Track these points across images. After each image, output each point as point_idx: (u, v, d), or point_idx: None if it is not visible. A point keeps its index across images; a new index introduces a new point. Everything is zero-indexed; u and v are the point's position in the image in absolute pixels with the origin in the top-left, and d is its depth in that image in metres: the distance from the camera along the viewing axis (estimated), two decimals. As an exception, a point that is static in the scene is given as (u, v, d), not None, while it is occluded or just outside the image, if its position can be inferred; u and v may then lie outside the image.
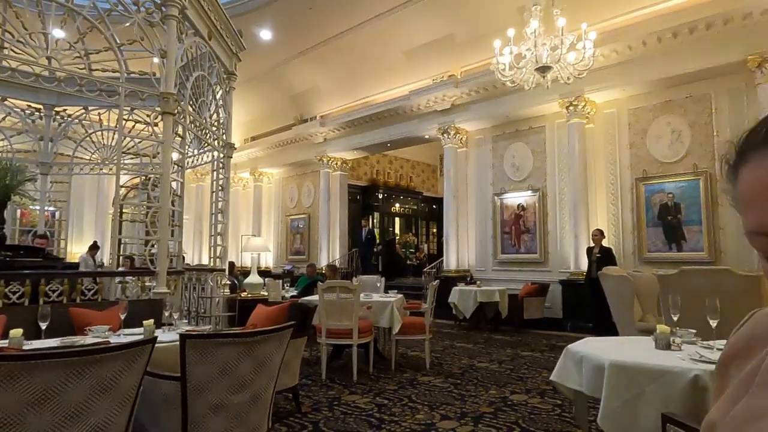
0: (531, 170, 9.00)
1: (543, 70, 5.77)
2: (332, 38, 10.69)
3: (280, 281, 7.28)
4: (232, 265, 8.94)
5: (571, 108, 8.05)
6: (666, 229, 7.41)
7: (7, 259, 4.49)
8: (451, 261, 9.72)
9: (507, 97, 8.73)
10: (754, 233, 0.48)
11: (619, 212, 7.94)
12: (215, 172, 6.21)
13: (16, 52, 4.58)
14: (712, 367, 1.98)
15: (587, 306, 7.45)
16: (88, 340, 2.76)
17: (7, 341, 2.58)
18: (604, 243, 7.43)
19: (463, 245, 9.81)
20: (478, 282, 8.56)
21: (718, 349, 2.24)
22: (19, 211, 9.41)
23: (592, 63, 5.82)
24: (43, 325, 2.70)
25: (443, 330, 8.01)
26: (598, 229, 7.54)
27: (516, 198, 9.14)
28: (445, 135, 9.85)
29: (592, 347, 2.49)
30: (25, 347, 2.47)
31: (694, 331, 2.56)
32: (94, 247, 9.85)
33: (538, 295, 8.05)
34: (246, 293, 6.71)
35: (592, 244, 7.49)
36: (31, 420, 1.80)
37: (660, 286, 4.31)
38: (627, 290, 5.01)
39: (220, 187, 6.14)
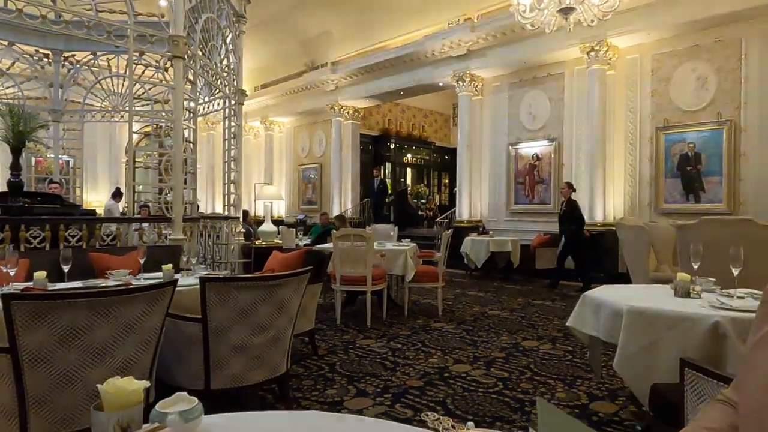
0: (548, 119, 8.78)
1: (566, 11, 5.49)
2: (344, -21, 10.26)
3: (294, 230, 7.32)
4: (246, 213, 9.01)
5: (592, 53, 7.74)
6: (684, 180, 7.27)
7: (26, 205, 4.55)
8: (463, 211, 9.69)
9: (525, 42, 8.40)
10: None
11: (636, 163, 7.78)
12: (227, 120, 6.14)
13: (21, -8, 4.44)
14: (733, 314, 1.97)
15: (599, 256, 7.46)
16: (109, 283, 2.81)
17: (31, 283, 2.64)
18: (573, 196, 7.46)
19: (476, 195, 9.75)
20: (490, 232, 8.56)
21: (739, 297, 2.22)
22: (33, 159, 9.46)
23: (617, 4, 5.52)
24: (66, 268, 2.75)
25: (455, 279, 8.10)
26: (566, 182, 7.60)
27: (531, 148, 8.97)
28: (460, 82, 9.58)
29: (610, 294, 2.49)
30: (49, 289, 2.52)
31: (714, 279, 2.54)
32: (117, 194, 9.94)
33: (550, 246, 8.04)
34: (260, 241, 6.78)
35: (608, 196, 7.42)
36: (60, 357, 1.86)
37: (678, 236, 4.26)
38: (643, 240, 4.97)
39: (232, 135, 6.09)
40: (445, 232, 5.79)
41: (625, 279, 5.68)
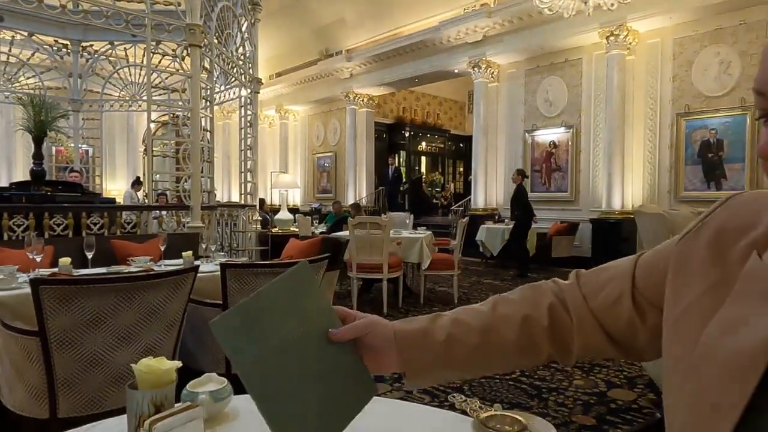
0: (565, 106, 8.66)
1: (585, -5, 5.40)
2: (358, -35, 10.17)
3: (309, 218, 7.36)
4: (262, 201, 9.08)
5: (611, 38, 7.59)
6: (705, 167, 7.14)
7: (48, 193, 4.63)
8: (478, 199, 9.64)
9: (543, 27, 8.27)
10: (754, 91, 0.45)
11: (656, 149, 7.65)
12: (243, 108, 6.16)
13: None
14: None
15: (617, 244, 7.38)
16: (132, 269, 2.86)
17: (56, 269, 2.70)
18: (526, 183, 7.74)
19: (492, 183, 9.68)
20: (506, 220, 8.52)
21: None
22: (54, 149, 9.62)
23: (639, -13, 5.41)
24: (89, 255, 2.81)
25: (470, 267, 8.09)
26: (517, 170, 7.71)
27: (548, 135, 8.86)
28: (475, 69, 9.47)
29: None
30: (74, 274, 2.58)
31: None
32: (137, 182, 10.09)
33: (567, 234, 7.98)
34: (277, 229, 6.83)
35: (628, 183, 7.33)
36: (88, 340, 1.91)
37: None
38: (663, 228, 4.89)
39: (248, 124, 6.11)
40: (460, 220, 5.78)
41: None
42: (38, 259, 2.59)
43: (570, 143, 8.55)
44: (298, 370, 0.61)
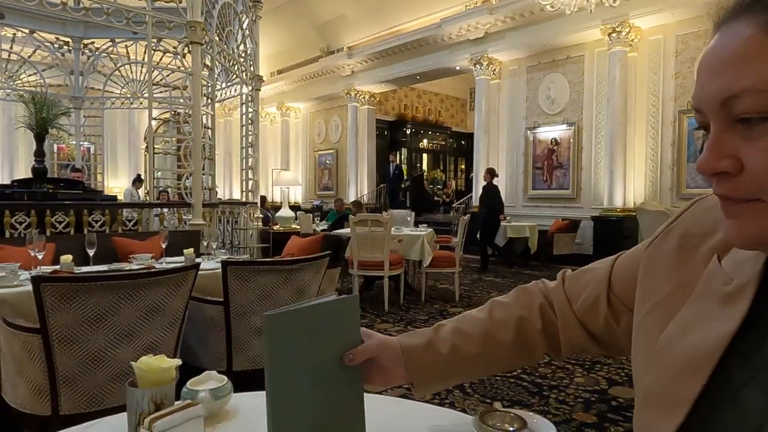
0: (567, 103, 8.63)
1: (587, -9, 5.38)
2: (359, -38, 10.14)
3: (311, 215, 7.36)
4: (263, 199, 9.08)
5: (613, 35, 7.56)
6: (708, 165, 7.12)
7: (50, 191, 4.64)
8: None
9: (545, 24, 8.24)
10: (693, 107, 0.46)
11: (658, 147, 7.63)
12: (244, 106, 6.16)
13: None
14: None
15: (618, 242, 7.37)
16: (133, 266, 2.87)
17: (58, 266, 2.70)
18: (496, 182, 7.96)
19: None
20: (507, 218, 8.51)
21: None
22: (56, 146, 9.62)
23: (641, -17, 5.38)
24: (91, 252, 2.81)
25: (471, 264, 8.08)
26: (486, 169, 8.02)
27: (550, 132, 8.84)
28: (477, 66, 9.45)
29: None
30: (76, 272, 2.58)
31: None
32: (138, 180, 10.10)
33: (568, 231, 7.97)
34: (278, 226, 6.84)
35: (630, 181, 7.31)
36: (90, 337, 1.91)
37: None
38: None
39: (249, 121, 6.11)
40: (462, 218, 5.77)
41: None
42: (40, 257, 2.60)
43: (572, 140, 8.53)
44: (312, 389, 0.65)
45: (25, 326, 1.95)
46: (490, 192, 7.80)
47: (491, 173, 7.83)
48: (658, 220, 5.06)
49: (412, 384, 0.72)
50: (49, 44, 6.79)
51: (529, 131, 9.12)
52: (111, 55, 7.21)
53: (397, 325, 4.29)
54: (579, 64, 8.47)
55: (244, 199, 6.08)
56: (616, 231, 7.47)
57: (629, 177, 7.73)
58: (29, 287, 1.92)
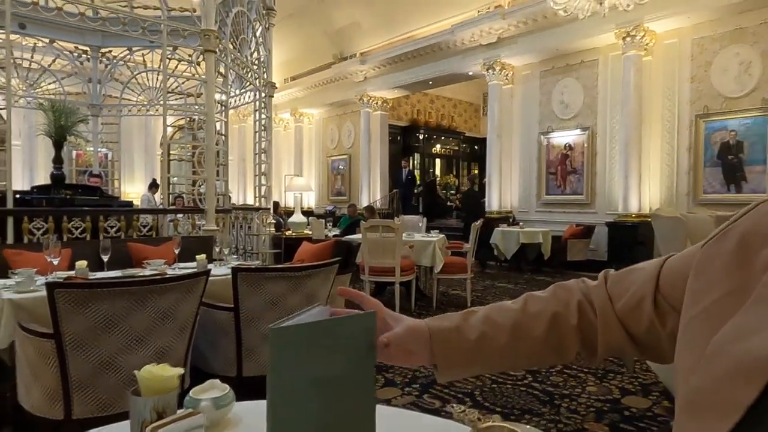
0: (581, 107, 8.57)
1: (600, -4, 5.35)
2: (372, -31, 10.20)
3: (323, 221, 7.40)
4: (276, 204, 9.14)
5: (628, 39, 7.49)
6: (725, 170, 7.00)
7: (68, 197, 4.73)
8: (493, 202, 9.58)
9: (558, 29, 8.20)
10: None
11: (674, 152, 7.52)
12: (257, 112, 6.23)
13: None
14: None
15: (633, 248, 7.28)
16: (146, 272, 2.91)
17: (73, 272, 2.75)
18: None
19: (506, 186, 9.62)
20: (520, 223, 8.46)
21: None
22: (74, 153, 9.81)
23: (655, -13, 5.33)
24: (105, 258, 2.86)
25: (484, 271, 8.05)
26: (469, 176, 8.53)
27: (563, 137, 8.78)
28: (490, 71, 9.43)
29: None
30: (90, 278, 2.62)
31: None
32: (153, 185, 10.24)
33: (582, 237, 7.89)
34: (290, 232, 6.88)
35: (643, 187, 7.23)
36: (102, 343, 1.94)
37: (717, 228, 4.11)
38: (680, 232, 4.81)
39: (262, 127, 6.17)
40: (474, 224, 5.75)
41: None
42: (55, 262, 2.65)
43: (586, 145, 8.46)
44: (317, 407, 0.64)
45: (40, 331, 1.98)
46: (468, 196, 8.52)
47: (471, 180, 8.46)
48: (673, 226, 4.99)
49: (436, 367, 0.72)
50: (68, 53, 6.95)
51: (542, 136, 9.06)
52: (128, 64, 7.35)
53: (408, 332, 4.28)
54: (593, 69, 8.40)
55: (257, 205, 6.13)
56: (630, 237, 7.38)
57: (644, 182, 7.64)
58: (45, 293, 1.96)
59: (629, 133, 7.59)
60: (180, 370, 0.81)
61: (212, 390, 0.91)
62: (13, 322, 2.18)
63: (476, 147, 16.38)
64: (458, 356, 0.71)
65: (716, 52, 7.08)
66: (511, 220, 9.02)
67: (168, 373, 0.80)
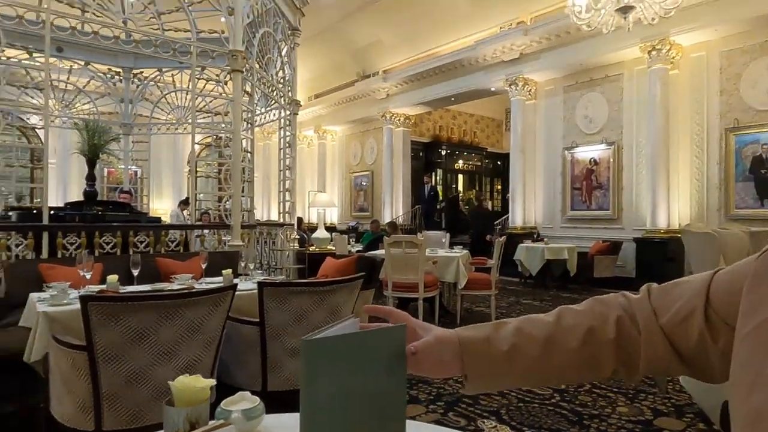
0: (605, 122, 8.47)
1: (624, 10, 5.32)
2: (395, -12, 10.35)
3: (346, 236, 7.43)
4: (300, 220, 9.23)
5: (653, 53, 7.41)
6: (758, 184, 6.80)
7: (99, 213, 4.87)
8: (516, 218, 9.49)
9: (581, 44, 8.17)
10: None
11: (704, 166, 7.36)
12: (282, 130, 6.33)
13: (97, 16, 4.79)
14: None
15: (663, 265, 7.10)
16: (174, 286, 2.96)
17: (104, 285, 2.82)
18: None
19: (530, 202, 9.53)
20: (545, 239, 8.35)
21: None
22: (106, 170, 10.10)
23: (681, 1, 5.28)
24: (135, 272, 2.92)
25: (508, 287, 7.94)
26: (476, 196, 8.61)
27: (588, 152, 8.68)
28: (512, 87, 9.42)
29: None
30: (120, 291, 2.68)
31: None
32: (185, 202, 10.47)
33: (609, 254, 7.74)
34: (314, 247, 6.92)
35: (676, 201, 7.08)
36: (132, 355, 1.98)
37: (752, 244, 3.99)
38: (712, 248, 4.68)
39: (287, 145, 6.27)
40: (498, 239, 5.70)
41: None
42: (88, 276, 2.72)
43: (611, 160, 8.34)
44: (348, 418, 0.64)
45: (73, 343, 2.03)
46: (482, 216, 9.03)
47: (479, 198, 9.00)
48: (705, 242, 4.85)
49: (465, 377, 0.70)
50: (101, 75, 7.22)
51: (566, 151, 8.98)
52: (158, 84, 7.59)
53: (431, 348, 4.24)
54: (617, 83, 8.32)
55: (281, 221, 6.20)
56: (660, 253, 7.21)
57: (673, 197, 7.47)
58: (78, 306, 2.01)
59: (656, 147, 7.46)
60: (212, 381, 0.83)
61: (242, 402, 0.92)
62: (48, 335, 2.24)
63: (499, 162, 16.30)
64: (488, 367, 0.69)
65: (746, 64, 6.94)
66: (535, 235, 8.91)
67: (200, 384, 0.81)
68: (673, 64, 7.47)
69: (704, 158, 7.34)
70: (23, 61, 5.68)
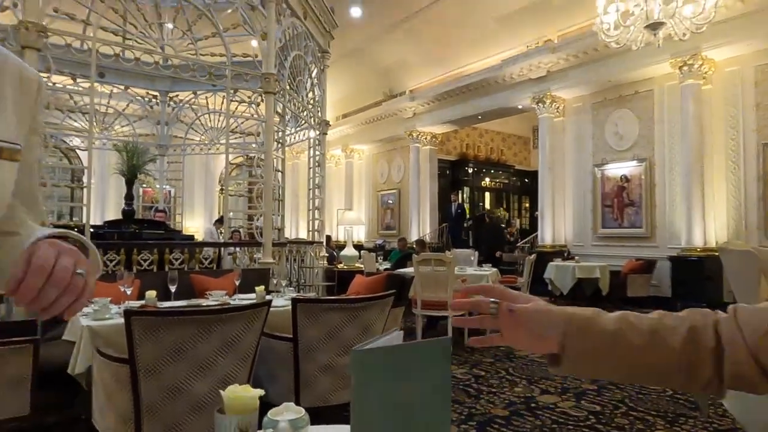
0: (636, 139, 8.34)
1: (654, 27, 5.28)
2: (421, 10, 10.52)
3: (374, 254, 7.46)
4: (328, 238, 9.32)
5: (685, 68, 7.30)
6: (800, 201, 6.57)
7: (136, 231, 5.04)
8: (546, 236, 9.37)
9: (610, 60, 8.11)
10: None
11: (741, 182, 7.15)
12: (311, 149, 6.46)
13: (139, 43, 5.02)
14: None
15: (700, 284, 6.88)
16: (209, 302, 3.03)
17: (143, 301, 2.91)
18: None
19: (560, 219, 9.40)
20: (576, 257, 8.20)
21: None
22: (141, 189, 10.44)
23: (713, 15, 5.22)
24: (172, 288, 3.01)
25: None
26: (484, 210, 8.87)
27: (619, 169, 8.54)
28: (539, 104, 9.39)
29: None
30: (159, 306, 2.76)
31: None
32: (220, 221, 10.72)
33: (643, 272, 7.54)
34: (342, 265, 6.97)
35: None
36: (171, 369, 2.04)
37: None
38: (752, 267, 4.53)
39: (316, 164, 6.38)
40: (527, 257, 5.64)
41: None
42: (128, 292, 2.82)
43: (643, 177, 8.18)
44: (394, 428, 0.65)
45: (116, 356, 2.10)
46: (489, 229, 9.53)
47: (485, 214, 9.27)
48: (745, 261, 4.70)
49: (562, 353, 0.68)
50: (140, 98, 7.52)
51: (596, 168, 8.85)
52: (192, 106, 7.86)
53: (461, 367, 4.21)
54: (648, 99, 8.21)
55: (310, 239, 6.28)
56: (697, 272, 7.00)
57: (709, 214, 7.27)
58: (120, 320, 2.09)
59: (690, 163, 7.30)
60: (261, 392, 0.86)
61: (288, 412, 0.95)
62: (91, 348, 2.32)
63: (526, 180, 16.16)
64: (591, 345, 0.67)
65: (782, 78, 6.77)
66: (565, 253, 8.77)
67: (251, 393, 0.84)
68: (705, 79, 7.34)
69: (741, 174, 7.14)
70: (68, 87, 5.96)
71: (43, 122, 0.82)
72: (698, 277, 6.94)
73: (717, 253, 6.76)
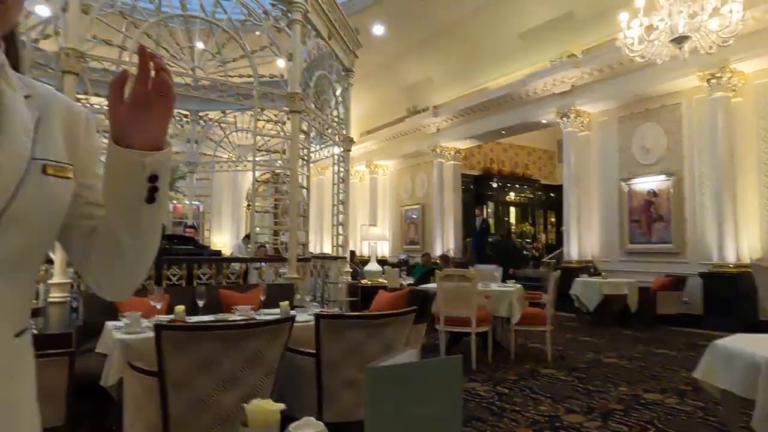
0: (664, 152, 8.20)
1: (679, 40, 5.23)
2: (444, 28, 10.63)
3: (398, 269, 7.48)
4: (353, 253, 9.39)
5: (713, 81, 7.18)
6: (838, 216, 6.34)
7: (167, 246, 5.19)
8: (572, 251, 9.23)
9: (635, 74, 8.03)
10: None
11: (775, 197, 6.95)
12: (336, 166, 6.56)
13: (170, 66, 5.22)
14: None
15: (734, 301, 6.67)
16: (236, 317, 3.10)
17: (172, 315, 3.00)
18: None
19: (586, 235, 9.26)
20: (602, 273, 8.05)
21: None
22: (171, 205, 10.73)
23: (739, 29, 5.14)
24: (201, 303, 3.10)
25: (564, 323, 7.67)
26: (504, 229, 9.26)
27: (646, 183, 8.40)
28: (564, 119, 9.34)
29: (744, 343, 2.25)
30: (187, 321, 2.85)
31: None
32: (248, 237, 10.94)
33: (673, 289, 7.35)
34: (366, 280, 7.01)
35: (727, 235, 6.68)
36: (198, 383, 2.10)
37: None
38: (786, 285, 4.40)
39: (340, 180, 6.47)
40: (552, 273, 5.58)
41: (766, 328, 5.02)
42: (158, 306, 2.91)
43: (672, 191, 8.02)
44: None
45: (146, 369, 2.18)
46: (503, 246, 9.66)
47: (503, 232, 9.37)
48: (778, 278, 4.56)
49: None
50: (172, 118, 7.79)
51: (623, 183, 8.72)
52: (221, 125, 8.09)
53: (485, 384, 4.17)
54: (675, 113, 8.08)
55: (334, 254, 6.36)
56: (729, 289, 6.79)
57: (741, 230, 7.06)
58: (150, 334, 2.17)
59: (721, 177, 7.13)
60: (282, 406, 0.90)
61: (307, 427, 0.99)
62: (123, 361, 2.41)
63: (552, 194, 15.98)
64: None
65: (816, 89, 6.59)
66: (592, 269, 8.61)
67: (272, 407, 0.88)
68: (735, 92, 7.20)
69: (775, 188, 6.94)
70: (105, 107, 6.22)
71: (98, 145, 0.89)
72: (731, 295, 6.74)
73: (750, 270, 6.58)
